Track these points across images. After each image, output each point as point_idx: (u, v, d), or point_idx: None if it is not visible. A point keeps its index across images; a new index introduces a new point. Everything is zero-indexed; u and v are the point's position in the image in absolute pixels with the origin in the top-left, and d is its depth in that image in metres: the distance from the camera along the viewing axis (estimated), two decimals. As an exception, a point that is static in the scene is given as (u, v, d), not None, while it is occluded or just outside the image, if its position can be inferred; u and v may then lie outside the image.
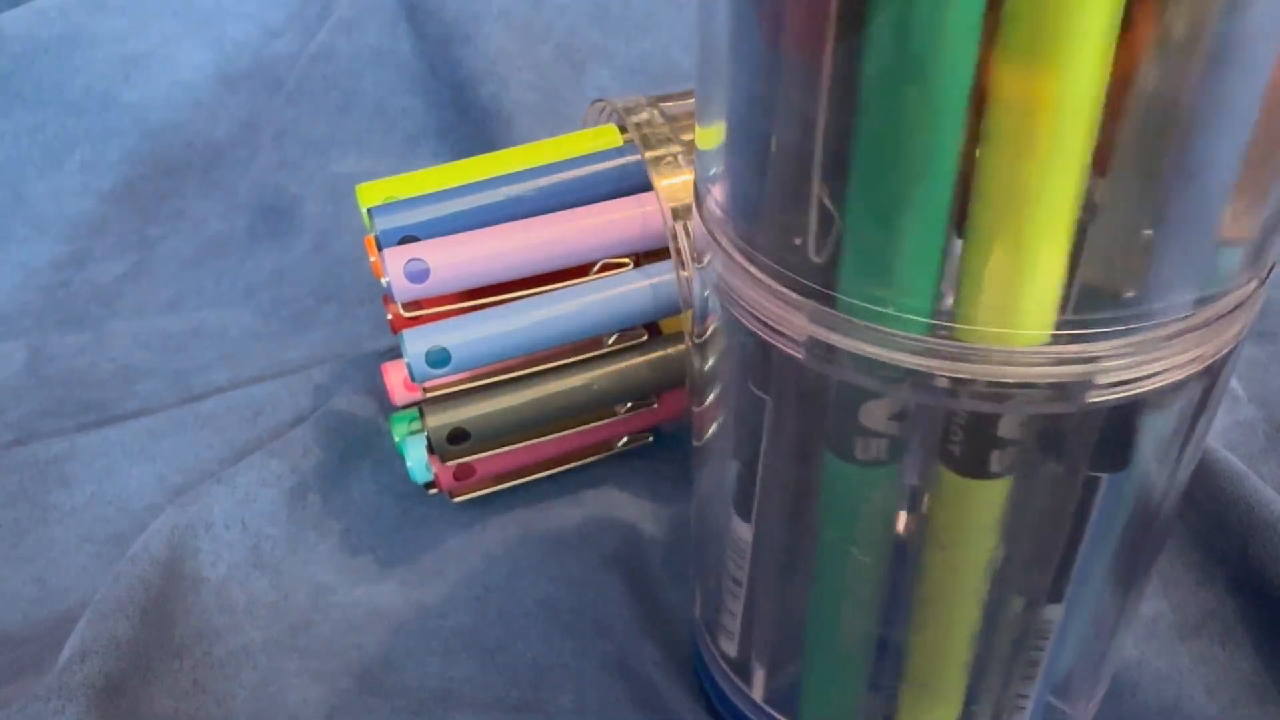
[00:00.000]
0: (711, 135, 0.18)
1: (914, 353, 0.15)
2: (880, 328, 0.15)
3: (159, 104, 0.55)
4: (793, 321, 0.17)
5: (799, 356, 0.17)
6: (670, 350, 0.32)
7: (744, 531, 0.21)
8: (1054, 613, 0.20)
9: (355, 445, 0.36)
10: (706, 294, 0.19)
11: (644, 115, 0.31)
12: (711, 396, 0.21)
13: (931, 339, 0.15)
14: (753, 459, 0.20)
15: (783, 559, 0.21)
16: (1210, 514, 0.30)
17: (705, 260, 0.19)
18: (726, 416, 0.21)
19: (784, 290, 0.16)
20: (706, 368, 0.21)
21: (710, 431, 0.22)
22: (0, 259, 0.50)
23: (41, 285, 0.49)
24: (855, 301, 0.15)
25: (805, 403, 0.18)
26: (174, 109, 0.55)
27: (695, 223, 0.19)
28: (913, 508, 0.19)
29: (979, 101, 0.13)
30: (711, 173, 0.18)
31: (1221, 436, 0.35)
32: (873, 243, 0.15)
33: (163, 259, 0.50)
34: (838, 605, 0.20)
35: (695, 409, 0.23)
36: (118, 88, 0.55)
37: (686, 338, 0.31)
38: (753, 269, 0.17)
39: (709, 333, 0.20)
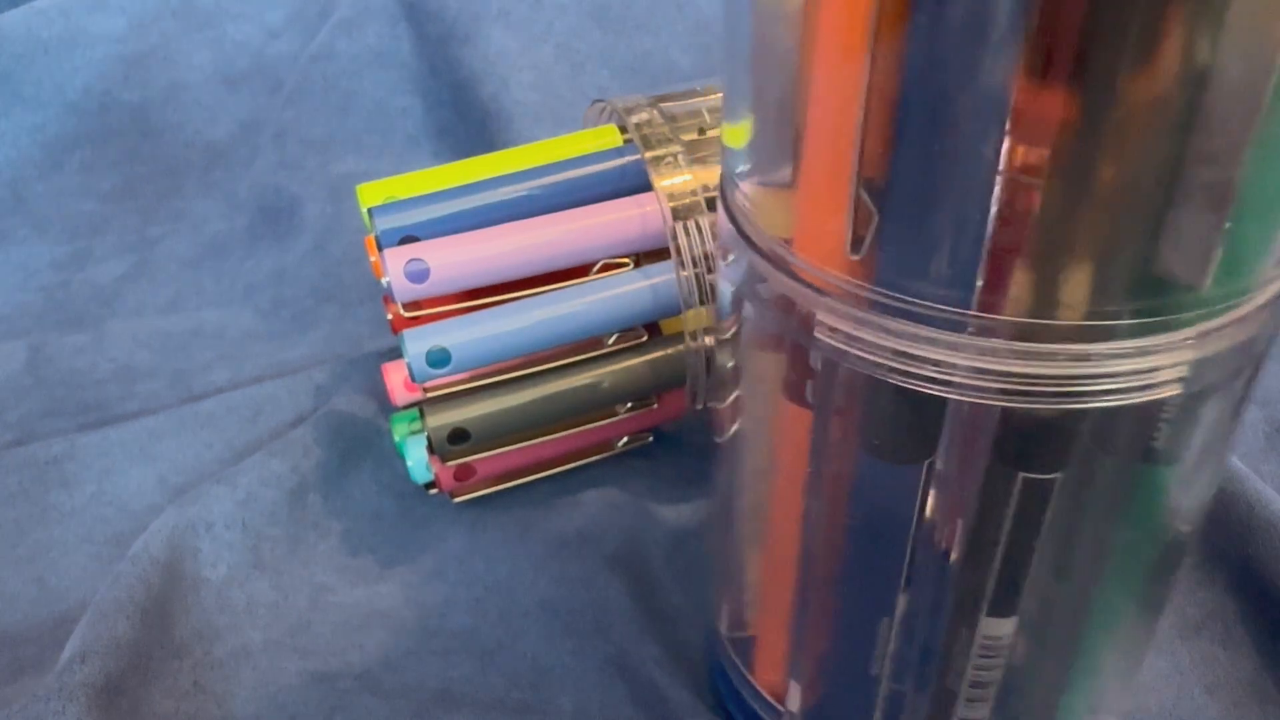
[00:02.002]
0: (740, 133, 0.18)
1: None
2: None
3: (159, 104, 0.55)
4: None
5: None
6: (670, 350, 0.32)
7: (1001, 629, 0.19)
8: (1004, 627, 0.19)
9: (355, 445, 0.36)
10: (731, 289, 0.19)
11: (644, 115, 0.31)
12: (733, 397, 0.21)
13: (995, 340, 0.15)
14: (1023, 551, 0.18)
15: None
16: (1210, 514, 0.30)
17: (729, 258, 0.19)
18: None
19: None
20: (728, 365, 0.21)
21: (733, 430, 0.22)
22: (0, 259, 0.50)
23: (41, 285, 0.49)
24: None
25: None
26: (174, 109, 0.55)
27: (721, 219, 0.19)
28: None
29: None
30: (739, 170, 0.18)
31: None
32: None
33: (163, 259, 0.50)
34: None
35: (715, 406, 0.22)
36: (118, 88, 0.55)
37: (686, 337, 0.31)
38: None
39: (729, 331, 0.20)
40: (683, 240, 0.30)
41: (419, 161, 0.54)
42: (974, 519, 0.18)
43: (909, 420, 0.17)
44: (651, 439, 0.36)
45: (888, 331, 0.16)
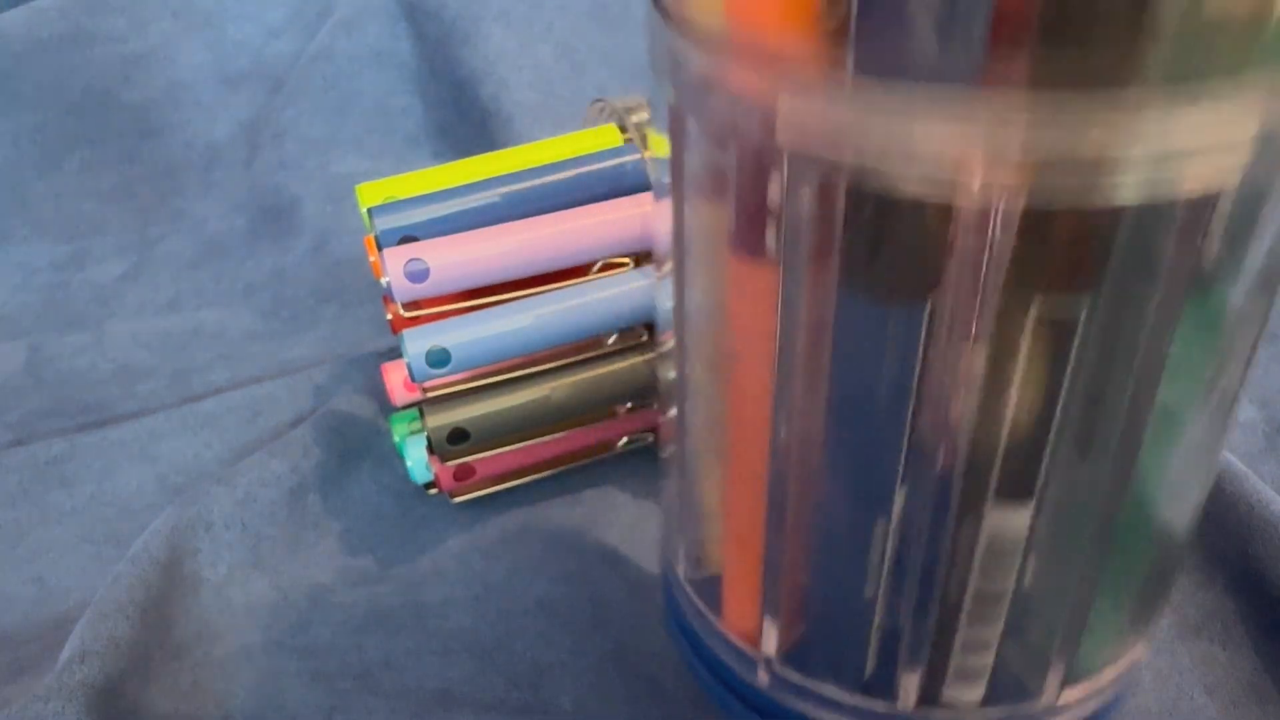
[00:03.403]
0: None
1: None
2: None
3: (159, 104, 0.55)
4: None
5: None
6: (670, 350, 0.32)
7: (1013, 521, 0.15)
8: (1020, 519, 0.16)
9: (355, 445, 0.36)
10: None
11: (644, 115, 0.31)
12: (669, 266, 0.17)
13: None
14: (1043, 413, 0.14)
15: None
16: (1210, 514, 0.30)
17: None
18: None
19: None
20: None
21: (671, 343, 0.18)
22: (0, 259, 0.50)
23: (41, 285, 0.49)
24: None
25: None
26: (174, 109, 0.55)
27: (650, 22, 0.15)
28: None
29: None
30: None
31: (1221, 436, 0.35)
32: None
33: (163, 259, 0.50)
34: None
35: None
36: (118, 88, 0.55)
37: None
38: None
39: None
40: (682, 240, 0.29)
41: (419, 161, 0.54)
42: (984, 367, 0.14)
43: (907, 242, 0.13)
44: (651, 439, 0.36)
45: (874, 110, 0.12)
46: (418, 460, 0.32)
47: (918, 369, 0.14)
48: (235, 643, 0.30)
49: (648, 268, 0.30)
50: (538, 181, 0.31)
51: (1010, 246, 0.13)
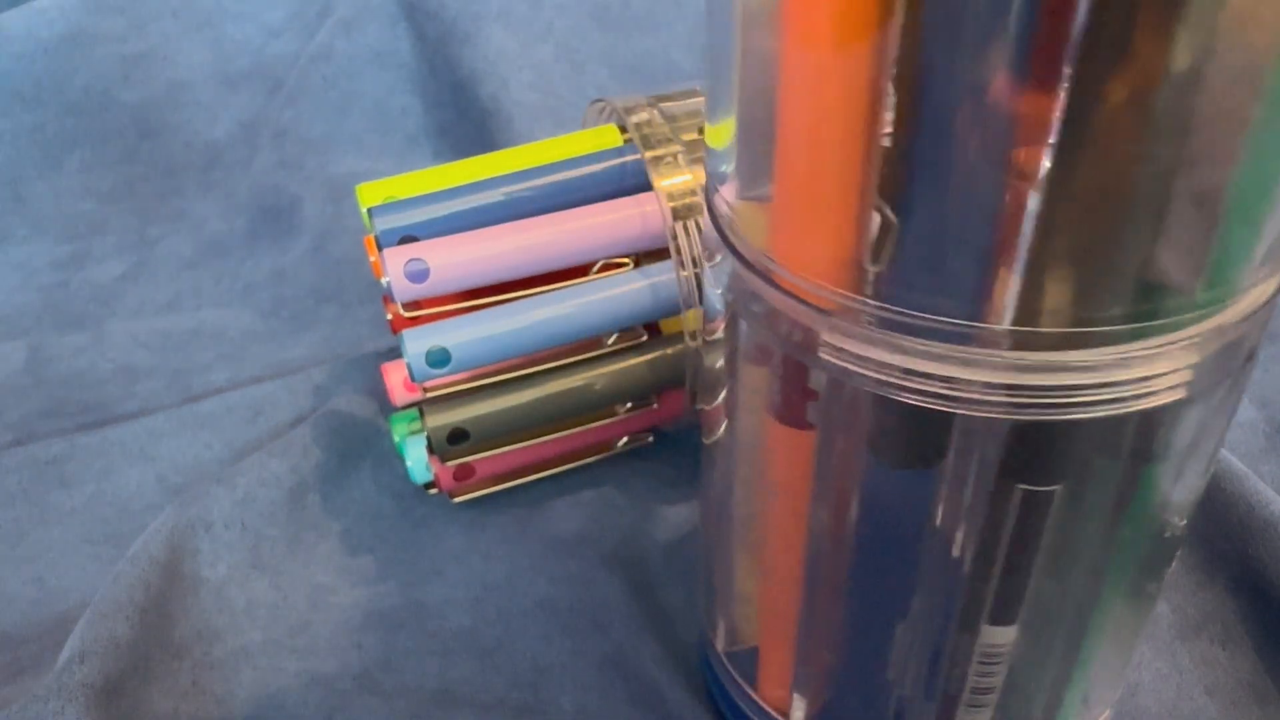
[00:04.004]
0: (722, 133, 0.18)
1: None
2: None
3: (159, 104, 0.55)
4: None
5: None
6: (670, 350, 0.32)
7: (1002, 637, 0.19)
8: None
9: (355, 445, 0.36)
10: (719, 293, 0.19)
11: (644, 115, 0.31)
12: (720, 397, 0.21)
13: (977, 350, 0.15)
14: (1025, 560, 0.18)
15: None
16: (1210, 514, 0.30)
17: (716, 260, 0.19)
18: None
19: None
20: (716, 366, 0.21)
21: (719, 433, 0.22)
22: (0, 259, 0.50)
23: (41, 285, 0.49)
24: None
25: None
26: (174, 109, 0.55)
27: (706, 222, 0.19)
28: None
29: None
30: (722, 170, 0.18)
31: (1221, 437, 0.35)
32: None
33: (163, 259, 0.50)
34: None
35: (704, 408, 0.22)
36: (118, 88, 0.55)
37: (686, 337, 0.31)
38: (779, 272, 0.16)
39: (717, 333, 0.20)
40: (683, 240, 0.29)
41: (419, 161, 0.54)
42: (979, 528, 0.18)
43: (919, 432, 0.17)
44: (651, 439, 0.36)
45: (897, 349, 0.15)
46: (418, 460, 0.32)
47: (927, 517, 0.18)
48: (235, 643, 0.30)
49: (648, 267, 0.31)
50: (538, 181, 0.31)
51: (999, 442, 0.16)
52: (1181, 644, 0.28)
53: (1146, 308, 0.14)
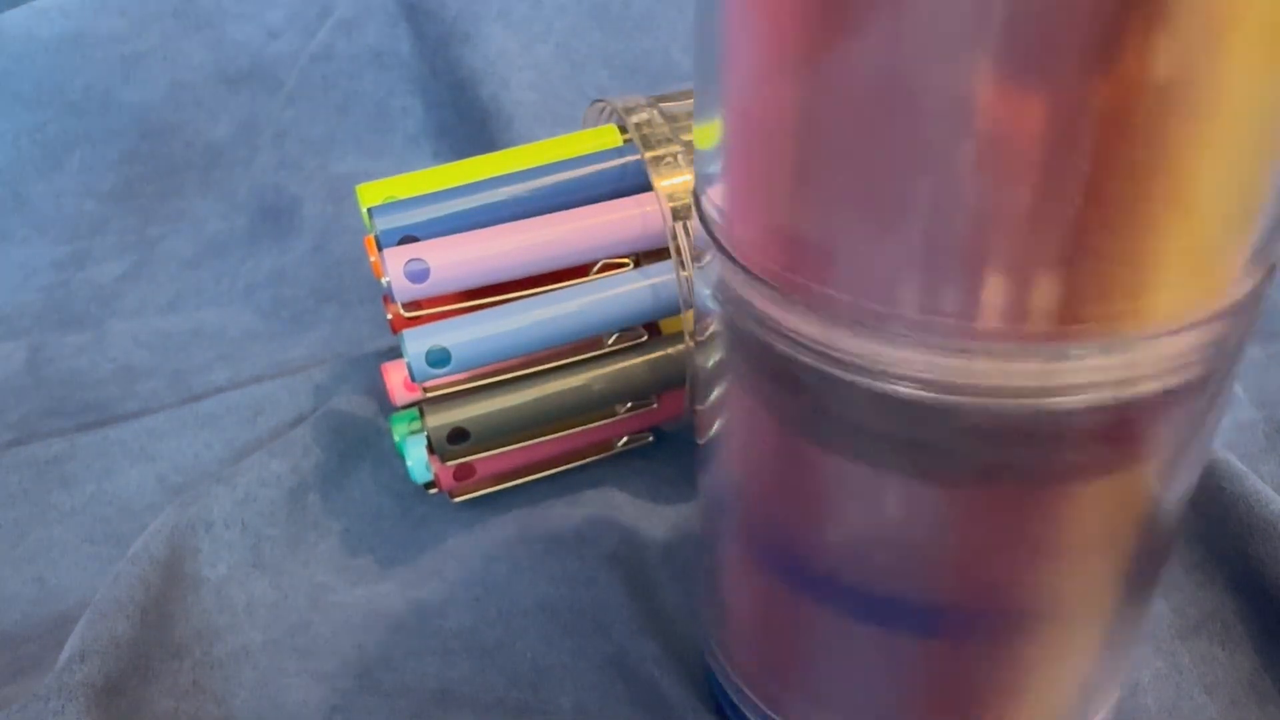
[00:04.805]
0: (709, 133, 0.18)
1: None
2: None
3: (159, 104, 0.55)
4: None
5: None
6: (670, 350, 0.32)
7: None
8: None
9: (355, 445, 0.36)
10: (709, 293, 0.19)
11: (644, 115, 0.31)
12: (714, 395, 0.21)
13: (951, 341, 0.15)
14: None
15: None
16: (1210, 514, 0.30)
17: (705, 260, 0.19)
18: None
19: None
20: (708, 366, 0.21)
21: (712, 433, 0.22)
22: (0, 259, 0.50)
23: (41, 285, 0.49)
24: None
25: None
26: (174, 109, 0.55)
27: (694, 223, 0.19)
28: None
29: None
30: (709, 170, 0.18)
31: (1221, 436, 0.35)
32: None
33: (163, 259, 0.50)
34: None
35: (698, 407, 0.22)
36: (118, 88, 0.55)
37: (686, 337, 0.31)
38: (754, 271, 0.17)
39: (708, 333, 0.20)
40: (683, 240, 0.30)
41: (419, 161, 0.54)
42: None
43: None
44: (651, 439, 0.36)
45: (859, 339, 0.16)
46: (418, 460, 0.32)
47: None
48: (235, 642, 0.30)
49: (648, 267, 0.31)
50: (538, 182, 0.31)
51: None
52: (1181, 643, 0.28)
53: (1131, 305, 0.15)
